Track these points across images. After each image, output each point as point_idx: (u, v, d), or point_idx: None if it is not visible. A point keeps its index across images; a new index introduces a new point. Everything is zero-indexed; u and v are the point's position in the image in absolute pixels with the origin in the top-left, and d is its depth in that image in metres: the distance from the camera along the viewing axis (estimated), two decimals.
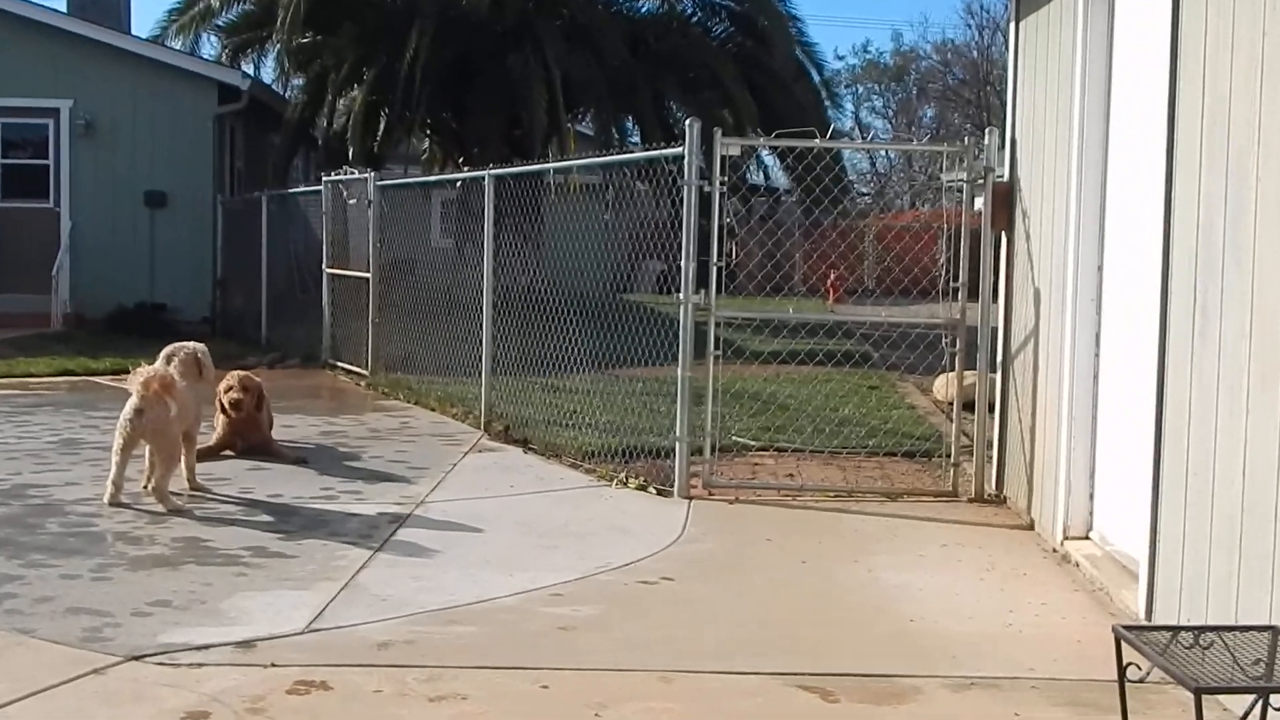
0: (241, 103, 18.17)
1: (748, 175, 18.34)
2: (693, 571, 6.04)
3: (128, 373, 7.32)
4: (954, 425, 8.03)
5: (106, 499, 7.05)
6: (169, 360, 7.62)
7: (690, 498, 7.57)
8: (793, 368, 10.62)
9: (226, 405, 8.57)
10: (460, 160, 19.81)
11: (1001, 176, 7.81)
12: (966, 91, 47.50)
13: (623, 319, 9.37)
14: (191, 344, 7.89)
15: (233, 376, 8.72)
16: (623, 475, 8.03)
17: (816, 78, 21.07)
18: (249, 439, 8.64)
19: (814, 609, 5.50)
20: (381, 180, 13.38)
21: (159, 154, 17.73)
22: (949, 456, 7.96)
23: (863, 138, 48.52)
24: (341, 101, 19.52)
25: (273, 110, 19.90)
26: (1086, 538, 6.38)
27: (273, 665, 4.60)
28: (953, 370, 8.05)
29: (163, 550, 6.19)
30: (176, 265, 17.72)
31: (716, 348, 7.73)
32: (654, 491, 7.74)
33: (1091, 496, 6.41)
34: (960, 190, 7.98)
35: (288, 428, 9.91)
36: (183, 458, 7.38)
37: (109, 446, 7.30)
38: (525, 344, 10.60)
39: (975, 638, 5.11)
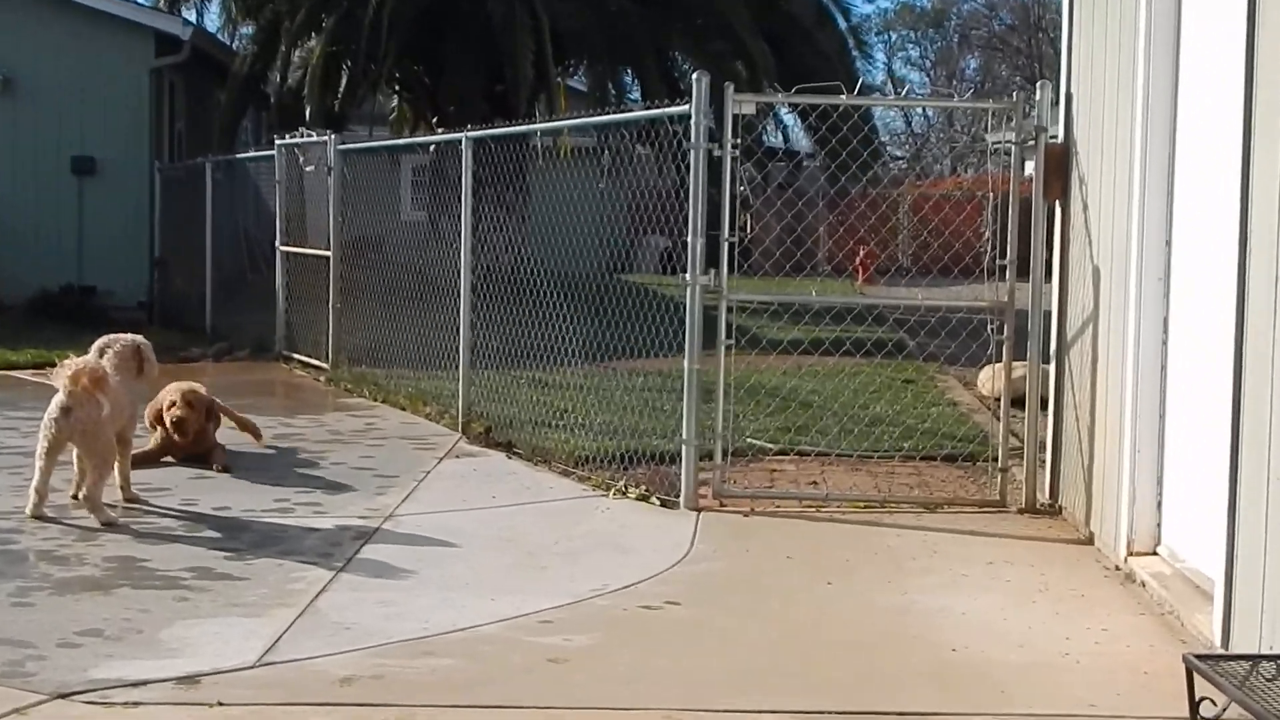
0: (182, 54, 18.17)
1: (764, 137, 18.36)
2: (702, 595, 6.04)
3: (52, 365, 7.32)
4: (1001, 424, 8.04)
5: (29, 511, 7.06)
6: (102, 353, 7.61)
7: (699, 509, 7.58)
8: (816, 359, 10.62)
9: (169, 425, 8.53)
10: (434, 121, 19.82)
11: (1055, 137, 7.80)
12: (1015, 39, 47.51)
13: (621, 303, 9.37)
14: (130, 336, 7.89)
15: (176, 390, 8.66)
16: (621, 484, 8.04)
17: (842, 24, 21.11)
18: (193, 449, 8.65)
19: (841, 637, 5.51)
20: (343, 144, 13.40)
21: (88, 114, 17.72)
22: (996, 461, 7.97)
23: (896, 93, 48.54)
24: (297, 53, 19.51)
25: (218, 63, 19.90)
26: (1154, 553, 6.38)
27: (219, 704, 4.61)
28: (999, 361, 8.05)
29: (93, 571, 6.20)
30: (108, 242, 17.73)
31: (729, 336, 7.73)
32: (657, 502, 7.75)
33: (1159, 506, 6.41)
34: (1008, 153, 7.97)
35: (236, 430, 9.92)
36: (117, 464, 7.38)
37: (32, 451, 7.30)
38: (509, 332, 10.60)
39: (1027, 669, 5.11)
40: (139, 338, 7.88)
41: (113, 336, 7.81)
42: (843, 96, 7.94)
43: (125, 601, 5.75)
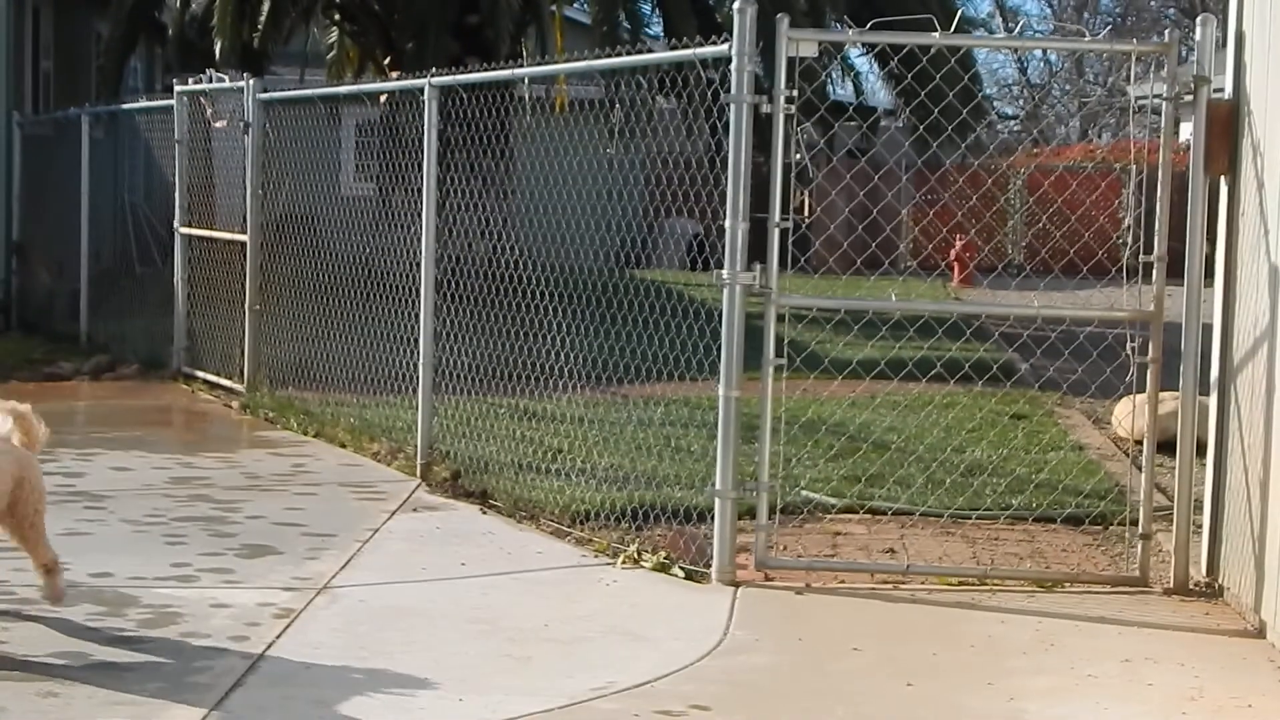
0: None
1: (830, 88, 18.42)
2: (739, 698, 6.07)
3: None
4: (1144, 476, 8.06)
5: None
6: None
7: (736, 583, 7.62)
8: (895, 385, 10.66)
9: None
10: (386, 62, 19.94)
11: (1221, 91, 7.84)
12: None
13: (634, 308, 9.43)
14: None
15: None
16: (633, 549, 8.09)
17: None
18: None
19: None
20: (265, 91, 13.47)
21: None
22: (1135, 525, 7.99)
23: (1006, 30, 48.49)
24: None
25: None
26: None
27: None
28: (1142, 392, 8.08)
29: None
30: None
31: (779, 354, 7.78)
32: (680, 573, 7.80)
33: None
34: (1157, 112, 8.01)
35: (121, 471, 10.01)
36: None
37: None
38: (485, 346, 10.67)
39: None
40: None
41: None
42: (935, 34, 8.00)
43: None
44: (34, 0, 18.82)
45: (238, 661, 6.29)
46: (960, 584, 7.74)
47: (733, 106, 7.68)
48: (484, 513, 9.13)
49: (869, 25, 8.03)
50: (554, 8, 19.85)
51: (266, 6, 19.28)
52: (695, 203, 9.05)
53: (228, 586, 7.44)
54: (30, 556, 6.93)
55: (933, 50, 8.17)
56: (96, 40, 21.38)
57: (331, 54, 23.35)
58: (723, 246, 7.72)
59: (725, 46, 7.75)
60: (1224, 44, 7.94)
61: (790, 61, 7.66)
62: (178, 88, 14.61)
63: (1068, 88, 48.15)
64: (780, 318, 7.83)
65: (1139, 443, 8.52)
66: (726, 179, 7.72)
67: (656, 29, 20.15)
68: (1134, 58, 8.43)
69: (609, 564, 8.03)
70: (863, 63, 20.35)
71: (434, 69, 10.62)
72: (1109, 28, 37.95)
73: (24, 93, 18.57)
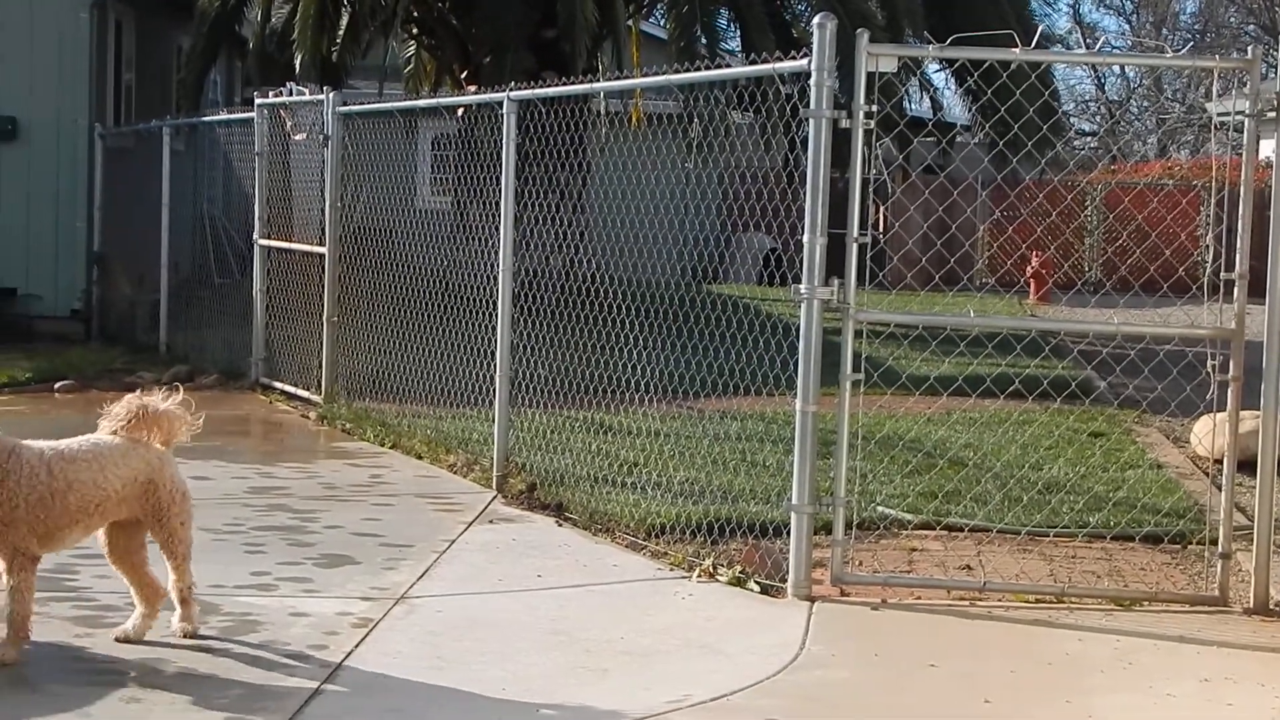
0: None
1: (907, 104, 18.39)
2: (815, 713, 6.08)
3: None
4: (1224, 495, 8.01)
5: None
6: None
7: (812, 598, 7.63)
8: (972, 401, 10.64)
9: None
10: (463, 76, 20.06)
11: None
12: None
13: (709, 322, 9.46)
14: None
15: None
16: (708, 562, 8.11)
17: None
18: None
19: None
20: (345, 105, 13.57)
21: (7, 61, 18.07)
22: (1215, 544, 7.94)
23: (1085, 46, 48.22)
24: None
25: None
26: None
27: None
28: (1223, 410, 8.04)
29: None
30: (33, 231, 18.07)
31: (856, 369, 7.78)
32: (756, 588, 7.81)
33: None
34: (1239, 129, 7.96)
35: (201, 481, 10.10)
36: None
37: None
38: (561, 360, 10.72)
39: None
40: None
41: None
42: (1016, 49, 7.98)
43: (56, 702, 5.90)
44: (117, 13, 19.00)
45: (316, 670, 6.37)
46: (1037, 601, 7.71)
47: (812, 121, 7.68)
48: (560, 525, 9.17)
49: (950, 40, 8.02)
50: (630, 22, 19.91)
51: (345, 20, 19.43)
52: (771, 217, 9.07)
53: (306, 595, 7.53)
54: (172, 575, 6.70)
55: (1013, 65, 8.15)
56: (178, 53, 21.59)
57: (409, 68, 23.53)
58: (800, 261, 7.73)
59: (805, 61, 7.76)
60: None
61: (870, 77, 7.67)
62: (258, 100, 14.74)
63: (1145, 104, 47.84)
64: (858, 333, 7.82)
65: (1218, 461, 8.47)
66: (805, 193, 7.72)
67: (730, 44, 20.18)
68: (1216, 74, 8.38)
69: (685, 577, 8.05)
70: (940, 78, 20.27)
71: (511, 83, 10.68)
72: (1190, 45, 37.62)
73: (106, 105, 18.74)
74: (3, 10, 17.94)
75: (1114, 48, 47.29)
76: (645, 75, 10.64)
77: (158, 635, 6.75)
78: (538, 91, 10.39)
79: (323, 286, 13.27)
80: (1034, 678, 6.61)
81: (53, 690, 6.04)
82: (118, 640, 6.62)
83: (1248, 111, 7.85)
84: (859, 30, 7.83)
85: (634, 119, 20.18)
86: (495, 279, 10.38)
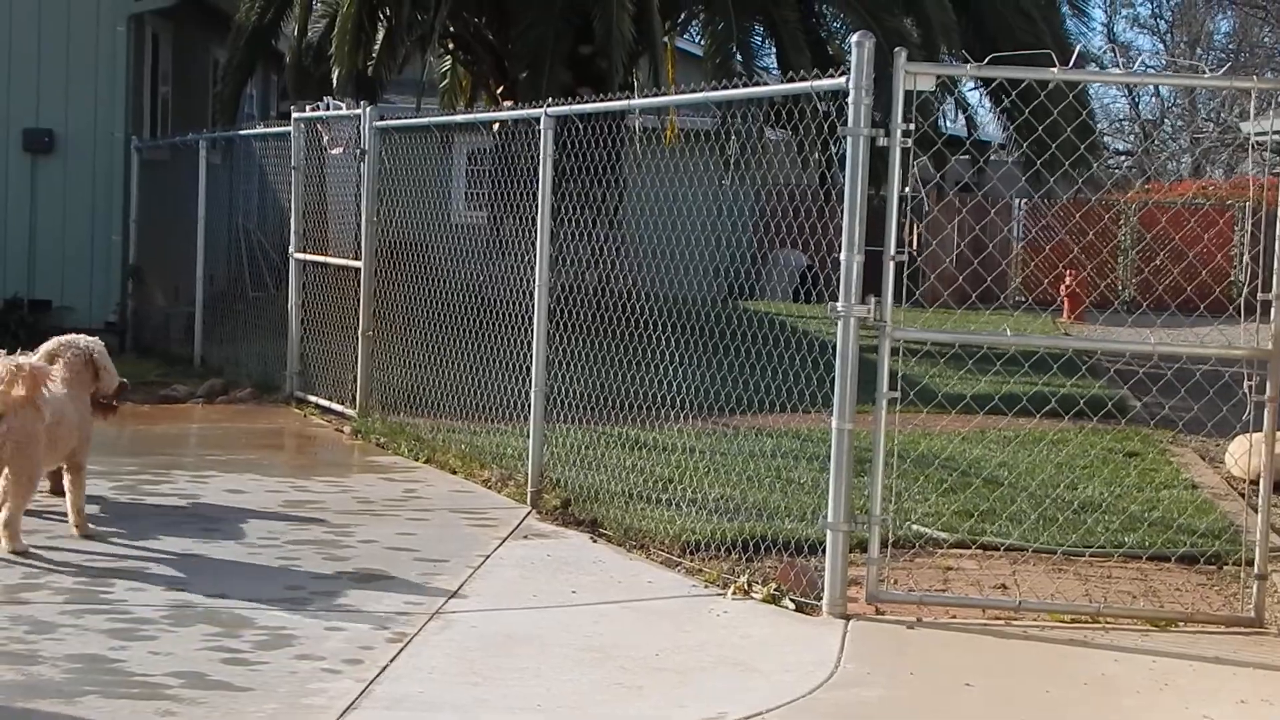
0: None
1: (942, 122, 18.39)
2: None
3: None
4: (1260, 516, 7.98)
5: None
6: (52, 360, 8.64)
7: (847, 616, 7.62)
8: (1008, 420, 10.63)
9: None
10: (499, 91, 20.12)
11: None
12: None
13: (744, 339, 9.46)
14: (84, 339, 8.96)
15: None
16: (743, 579, 8.10)
17: None
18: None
19: None
20: (382, 119, 13.61)
21: (45, 74, 18.18)
22: (1251, 565, 7.91)
23: (1119, 64, 48.01)
24: None
25: (218, 11, 20.38)
26: None
27: None
28: (1259, 430, 8.00)
29: (52, 673, 6.39)
30: (69, 243, 18.17)
31: (892, 387, 7.77)
32: (791, 605, 7.80)
33: None
34: (1277, 150, 7.95)
35: (235, 494, 10.15)
36: (70, 492, 8.63)
37: None
38: (595, 375, 10.74)
39: None
40: (93, 341, 8.98)
41: (66, 340, 8.93)
42: (1054, 69, 7.97)
43: (92, 715, 5.92)
44: (154, 27, 19.10)
45: (351, 685, 6.38)
46: (1073, 621, 7.69)
47: (850, 139, 7.69)
48: (594, 541, 9.17)
49: (988, 60, 8.01)
50: (667, 41, 19.94)
51: (381, 35, 19.50)
52: (806, 234, 9.07)
53: (341, 610, 7.54)
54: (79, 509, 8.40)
55: (1050, 84, 8.14)
56: (214, 66, 21.69)
57: (444, 82, 23.60)
58: (836, 279, 7.73)
59: (843, 79, 7.75)
60: None
61: (907, 95, 7.67)
62: (295, 114, 14.79)
63: (1181, 123, 47.71)
64: (894, 350, 7.82)
65: (1254, 482, 8.44)
66: (842, 211, 7.72)
67: (765, 61, 20.20)
68: (1254, 94, 8.36)
69: (719, 594, 8.05)
70: (974, 96, 20.26)
71: (549, 99, 10.71)
72: (1227, 66, 37.48)
73: (143, 118, 18.83)
74: (41, 24, 18.02)
75: (1149, 67, 47.18)
76: (681, 92, 10.66)
77: (194, 648, 6.79)
78: (576, 107, 10.41)
79: (358, 300, 13.31)
80: (1069, 698, 6.59)
81: (90, 704, 6.06)
82: None
83: None
84: (897, 49, 7.83)
85: (669, 135, 20.19)
86: (530, 294, 10.39)
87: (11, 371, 7.91)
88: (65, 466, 8.75)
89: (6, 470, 8.09)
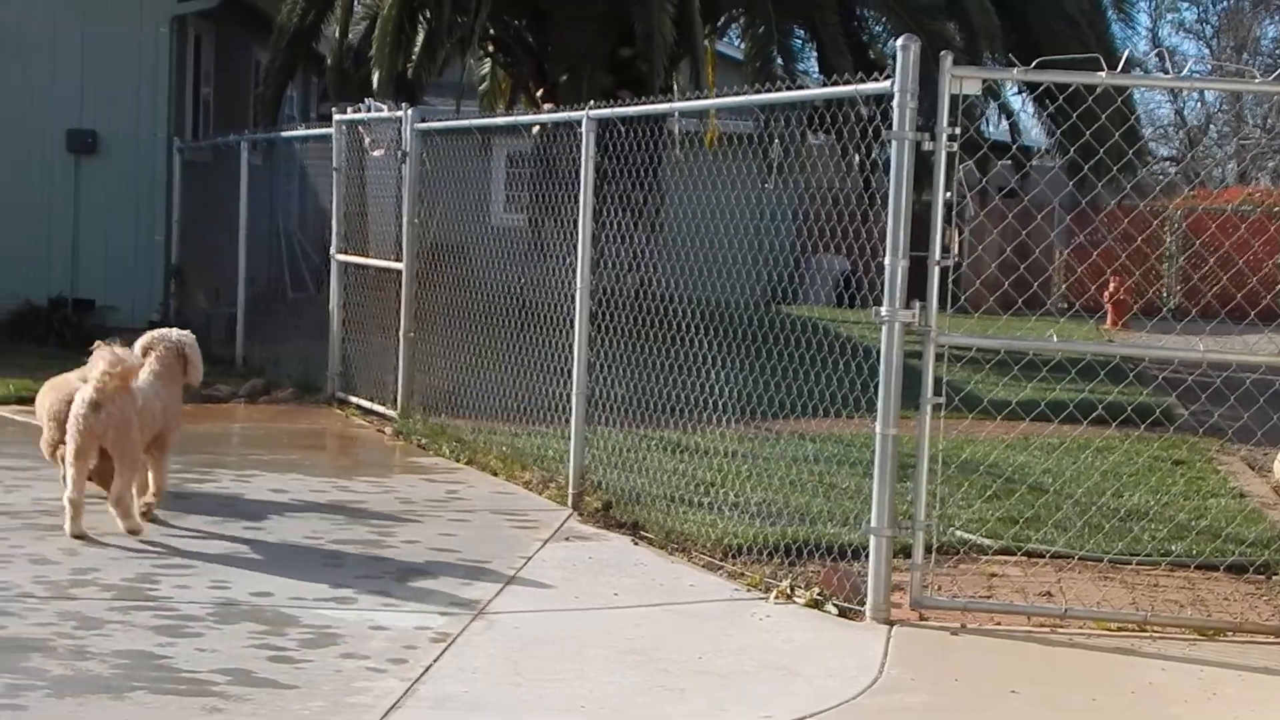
0: (213, 0, 18.67)
1: (986, 127, 18.34)
2: None
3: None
4: None
5: (69, 529, 8.54)
6: (146, 353, 9.34)
7: (891, 622, 7.63)
8: (1053, 427, 10.59)
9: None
10: (539, 94, 20.16)
11: None
12: None
13: (785, 343, 9.47)
14: (176, 333, 9.70)
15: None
16: (786, 584, 8.11)
17: None
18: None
19: None
20: (423, 122, 13.65)
21: (89, 75, 18.29)
22: None
23: (1164, 69, 47.63)
24: (361, 1, 20.00)
25: (259, 13, 20.47)
26: None
27: None
28: None
29: (100, 668, 6.44)
30: (112, 243, 18.28)
31: (937, 393, 7.77)
32: (834, 610, 7.81)
33: None
34: None
35: (279, 493, 10.21)
36: (152, 472, 9.17)
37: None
38: (637, 378, 10.76)
39: None
40: (185, 335, 9.74)
41: (159, 334, 9.64)
42: (1101, 74, 7.96)
43: (140, 711, 5.98)
44: (196, 28, 19.20)
45: (395, 684, 6.42)
46: (1119, 629, 7.68)
47: (894, 143, 7.68)
48: (636, 544, 9.19)
49: (1034, 64, 8.00)
50: (708, 44, 19.95)
51: (421, 38, 19.57)
52: (848, 239, 9.07)
53: (385, 609, 7.58)
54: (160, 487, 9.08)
55: (1098, 89, 8.12)
56: (255, 68, 21.79)
57: (483, 85, 23.67)
58: (880, 283, 7.73)
59: (887, 83, 7.75)
60: None
61: (953, 99, 7.66)
62: (336, 116, 14.85)
63: (1228, 129, 47.48)
64: (938, 356, 7.82)
65: None
66: (886, 215, 7.71)
67: (806, 65, 20.20)
68: None
69: (762, 599, 8.06)
70: (1018, 100, 20.21)
71: (590, 101, 10.72)
72: (1276, 73, 37.31)
73: (185, 119, 18.92)
74: (84, 25, 18.14)
75: (1195, 71, 46.97)
76: (721, 95, 10.67)
77: (240, 645, 6.84)
78: (618, 110, 10.42)
79: (399, 302, 13.34)
80: (1116, 706, 6.59)
81: (138, 699, 6.11)
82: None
83: None
84: (943, 53, 7.81)
85: (710, 139, 20.21)
86: (570, 297, 10.42)
87: (111, 363, 8.49)
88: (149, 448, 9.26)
89: (112, 454, 8.69)
